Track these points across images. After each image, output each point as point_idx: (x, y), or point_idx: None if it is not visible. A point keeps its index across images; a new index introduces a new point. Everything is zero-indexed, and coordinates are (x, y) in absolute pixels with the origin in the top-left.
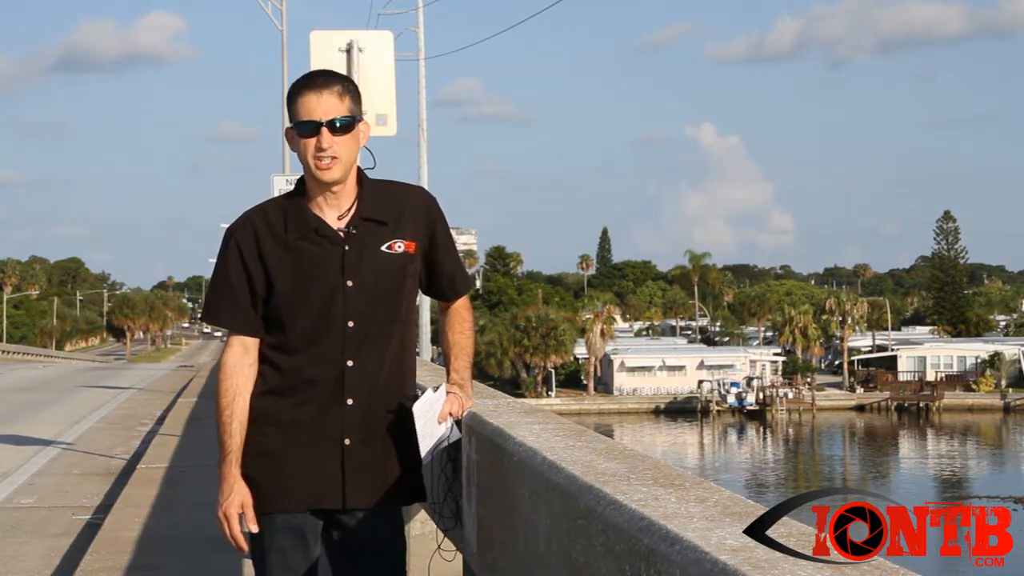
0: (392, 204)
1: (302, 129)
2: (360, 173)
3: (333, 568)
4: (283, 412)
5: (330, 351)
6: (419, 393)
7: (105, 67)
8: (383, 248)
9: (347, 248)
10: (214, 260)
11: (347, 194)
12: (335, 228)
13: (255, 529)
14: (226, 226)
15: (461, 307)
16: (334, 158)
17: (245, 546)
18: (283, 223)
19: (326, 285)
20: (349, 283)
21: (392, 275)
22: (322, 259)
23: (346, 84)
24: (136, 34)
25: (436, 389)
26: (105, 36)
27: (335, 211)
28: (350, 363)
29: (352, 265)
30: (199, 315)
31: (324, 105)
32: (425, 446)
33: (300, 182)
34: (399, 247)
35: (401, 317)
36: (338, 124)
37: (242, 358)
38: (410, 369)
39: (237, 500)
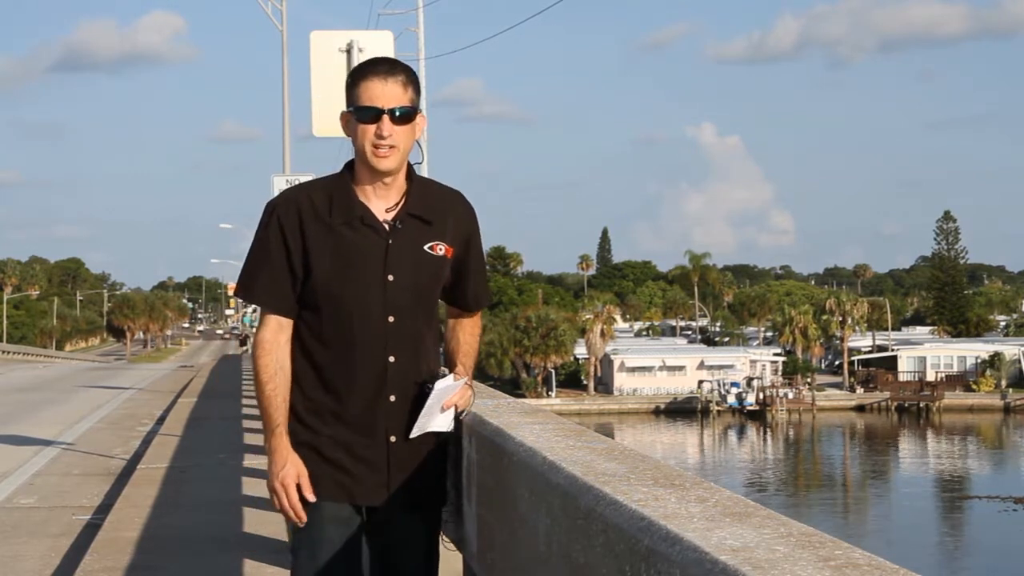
0: (438, 205)
1: (363, 115)
2: (410, 168)
3: (371, 564)
4: (326, 406)
5: (372, 345)
6: (444, 372)
7: (105, 67)
8: (425, 247)
9: (391, 241)
10: (214, 260)
11: (397, 186)
12: (381, 220)
13: (312, 498)
14: (226, 226)
15: (477, 316)
16: (392, 147)
17: (303, 515)
18: (328, 205)
19: (366, 276)
20: (390, 277)
21: (430, 275)
22: (364, 248)
23: (410, 75)
24: (136, 34)
25: (454, 376)
26: (105, 36)
27: (383, 202)
28: (392, 359)
29: (395, 259)
30: (232, 292)
31: (389, 92)
32: (420, 426)
33: (348, 167)
34: (440, 249)
35: (434, 316)
36: (399, 113)
37: (278, 335)
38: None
39: (292, 470)
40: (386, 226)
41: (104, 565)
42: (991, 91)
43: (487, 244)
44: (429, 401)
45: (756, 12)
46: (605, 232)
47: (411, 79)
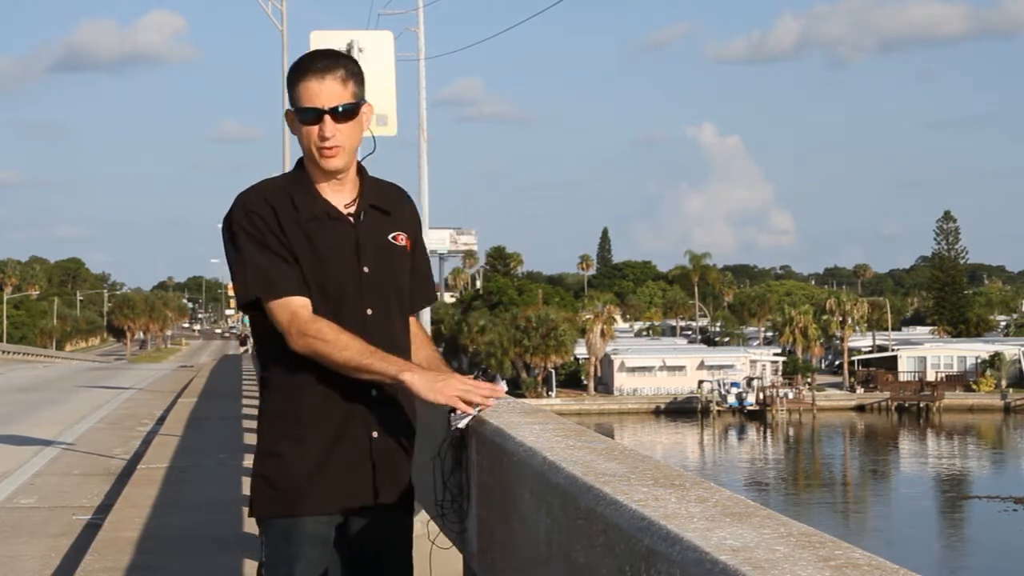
0: (391, 197)
1: (304, 116)
2: (358, 163)
3: (343, 564)
4: (310, 407)
5: None
6: (493, 372)
7: (105, 67)
8: (389, 237)
9: (359, 233)
10: (214, 260)
11: (350, 181)
12: (344, 213)
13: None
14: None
15: (417, 320)
16: (337, 146)
17: (497, 391)
18: (291, 203)
19: (341, 270)
20: (365, 269)
21: (398, 264)
22: (335, 243)
23: (349, 67)
24: (136, 34)
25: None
26: (105, 36)
27: (340, 197)
28: None
29: (366, 250)
30: (239, 296)
31: (327, 91)
32: (456, 417)
33: (300, 164)
34: (402, 240)
35: (407, 310)
36: (341, 110)
37: (310, 310)
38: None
39: (455, 378)
40: (351, 219)
41: (104, 565)
42: (991, 91)
43: (487, 244)
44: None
45: (756, 12)
46: (605, 232)
47: (351, 72)
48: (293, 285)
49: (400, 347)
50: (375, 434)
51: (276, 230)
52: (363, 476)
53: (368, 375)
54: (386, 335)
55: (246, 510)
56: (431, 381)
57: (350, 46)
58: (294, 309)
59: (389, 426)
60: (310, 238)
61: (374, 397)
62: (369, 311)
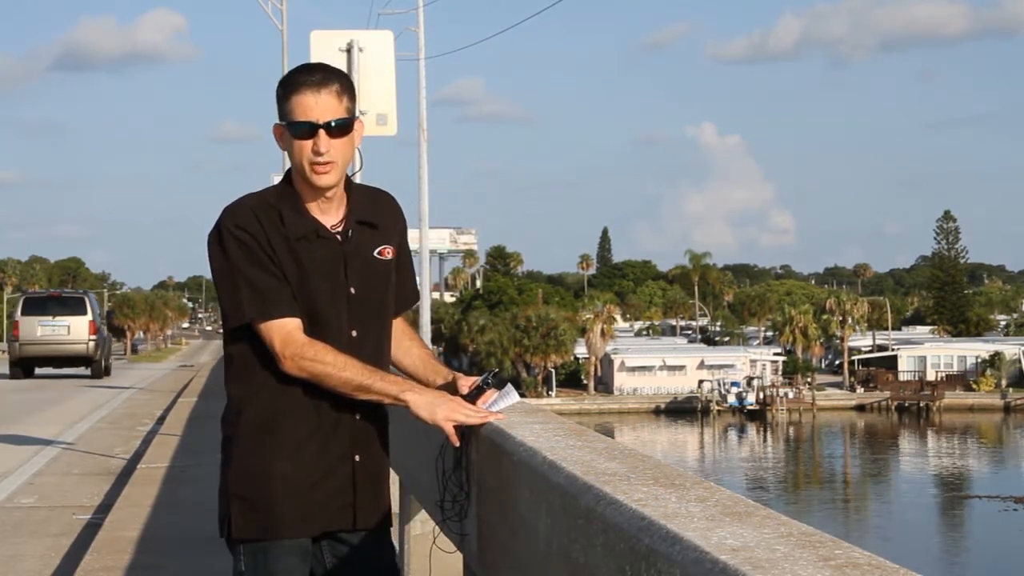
0: (378, 208)
1: (297, 130)
2: (346, 177)
3: None
4: (292, 428)
5: None
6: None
7: (105, 66)
8: (375, 253)
9: (347, 253)
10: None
11: (339, 197)
12: (333, 232)
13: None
14: None
15: (405, 319)
16: (331, 162)
17: (493, 416)
18: (279, 220)
19: (328, 290)
20: (352, 290)
21: (383, 282)
22: (325, 263)
23: (344, 82)
24: (136, 33)
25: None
26: (105, 35)
27: (328, 214)
28: None
29: (354, 271)
30: (231, 323)
31: (322, 105)
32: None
33: (288, 179)
34: (388, 253)
35: (388, 326)
36: (335, 125)
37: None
38: None
39: (455, 401)
40: (339, 237)
41: (104, 565)
42: (991, 91)
43: (487, 243)
44: (502, 397)
45: (756, 12)
46: (605, 232)
47: (346, 87)
48: (286, 306)
49: (384, 366)
50: (358, 457)
51: (266, 247)
52: (344, 499)
53: (367, 395)
54: (369, 356)
55: None
56: (431, 404)
57: (350, 45)
58: (288, 331)
59: (371, 449)
60: (298, 257)
61: (358, 421)
62: (354, 332)
